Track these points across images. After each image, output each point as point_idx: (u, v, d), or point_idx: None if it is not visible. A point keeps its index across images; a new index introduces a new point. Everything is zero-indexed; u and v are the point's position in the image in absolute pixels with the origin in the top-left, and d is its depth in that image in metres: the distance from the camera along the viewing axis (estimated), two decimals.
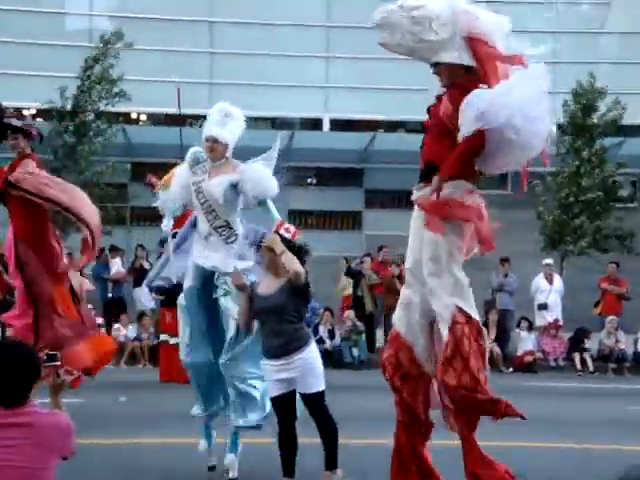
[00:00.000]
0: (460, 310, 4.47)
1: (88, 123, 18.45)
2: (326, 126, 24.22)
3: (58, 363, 3.53)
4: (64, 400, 3.61)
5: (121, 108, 20.27)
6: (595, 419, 8.99)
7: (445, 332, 4.47)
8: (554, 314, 15.74)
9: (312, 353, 5.55)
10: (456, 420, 4.61)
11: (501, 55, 4.49)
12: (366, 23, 19.69)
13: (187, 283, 5.95)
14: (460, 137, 4.41)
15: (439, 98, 4.68)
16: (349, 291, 15.69)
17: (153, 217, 21.18)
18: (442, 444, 4.93)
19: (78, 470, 5.46)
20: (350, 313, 14.90)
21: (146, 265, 14.78)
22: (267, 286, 5.44)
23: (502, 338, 15.26)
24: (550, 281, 15.92)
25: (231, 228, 5.86)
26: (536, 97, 4.35)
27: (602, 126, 18.47)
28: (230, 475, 5.69)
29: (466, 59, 4.44)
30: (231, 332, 5.72)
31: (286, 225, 5.71)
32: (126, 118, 23.32)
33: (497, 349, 14.79)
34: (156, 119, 24.62)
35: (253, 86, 23.40)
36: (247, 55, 23.41)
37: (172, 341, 10.89)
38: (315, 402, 5.43)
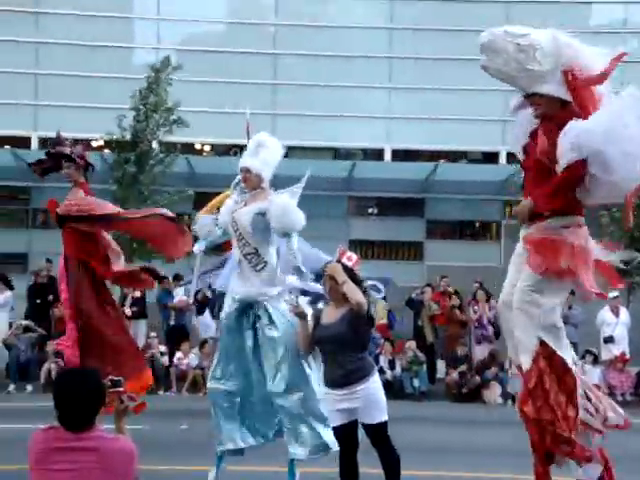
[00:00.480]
0: (544, 344, 4.44)
1: (148, 152, 18.76)
2: (388, 156, 24.25)
3: (122, 389, 3.59)
4: (127, 426, 3.64)
5: (184, 138, 20.64)
6: None
7: (526, 363, 4.45)
8: (621, 347, 15.40)
9: (375, 383, 5.49)
10: (534, 455, 4.53)
11: (594, 77, 4.39)
12: (427, 54, 19.73)
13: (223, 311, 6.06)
14: (558, 169, 4.34)
15: (533, 135, 4.59)
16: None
17: (217, 247, 21.48)
18: None
19: None
20: (411, 344, 14.79)
21: (208, 294, 14.91)
22: (329, 315, 5.44)
23: None
24: (616, 314, 15.60)
25: (259, 255, 5.87)
26: (632, 131, 4.26)
27: None
28: None
29: (564, 93, 4.38)
30: (277, 358, 5.69)
31: (348, 253, 5.72)
32: (190, 148, 23.70)
33: None
34: (220, 149, 24.95)
35: (315, 117, 23.59)
36: (309, 86, 23.62)
37: None
38: (378, 432, 5.38)
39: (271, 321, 5.74)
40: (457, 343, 14.97)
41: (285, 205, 5.96)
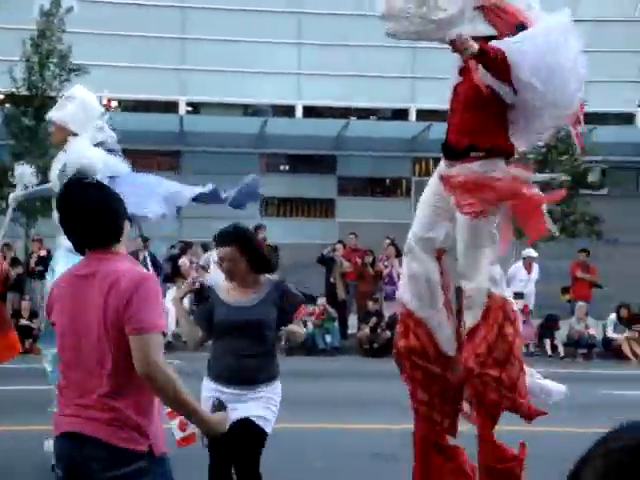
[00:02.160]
0: (491, 294, 4.30)
1: (46, 104, 18.12)
2: (299, 112, 24.19)
3: None
4: None
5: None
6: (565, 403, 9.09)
7: (475, 315, 4.29)
8: (527, 302, 15.89)
9: (279, 389, 4.66)
10: (478, 414, 4.40)
11: (520, 17, 4.19)
12: (337, 10, 19.62)
13: None
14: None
15: (462, 74, 4.37)
16: None
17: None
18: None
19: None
20: (322, 300, 14.94)
21: None
22: (239, 294, 4.56)
23: None
24: (529, 271, 16.03)
25: None
26: (561, 46, 4.11)
27: None
28: None
29: (482, 29, 4.17)
30: None
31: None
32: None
33: None
34: (128, 105, 24.43)
35: (224, 73, 23.32)
36: (218, 41, 23.29)
37: None
38: (256, 443, 4.44)
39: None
40: (369, 299, 15.18)
41: (77, 150, 5.55)
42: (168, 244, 17.04)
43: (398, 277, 15.60)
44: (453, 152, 4.39)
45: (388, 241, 16.13)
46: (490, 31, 4.20)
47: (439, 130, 21.21)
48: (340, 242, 16.53)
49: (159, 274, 15.63)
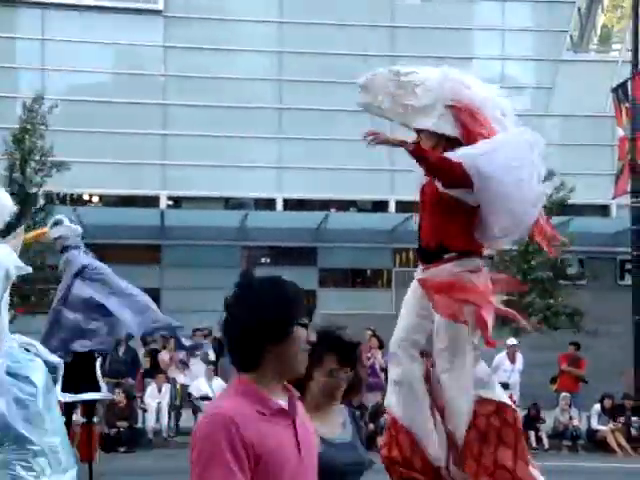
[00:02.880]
0: (483, 400, 4.21)
1: (28, 201, 18.14)
2: (279, 205, 24.41)
3: None
4: None
5: (71, 189, 20.22)
6: None
7: (460, 423, 4.19)
8: (512, 392, 15.77)
9: None
10: None
11: (487, 127, 4.20)
12: (316, 105, 20.04)
13: None
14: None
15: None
16: None
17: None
18: None
19: None
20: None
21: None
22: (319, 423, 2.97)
23: None
24: (513, 360, 15.94)
25: None
26: (521, 156, 4.11)
27: (549, 207, 18.95)
28: None
29: (446, 128, 4.20)
30: None
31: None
32: (78, 200, 23.27)
33: None
34: (108, 200, 24.59)
35: (205, 167, 23.59)
36: (199, 136, 23.63)
37: None
38: None
39: None
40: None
41: None
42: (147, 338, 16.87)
43: (380, 369, 15.51)
44: (427, 255, 4.39)
45: (370, 332, 16.06)
46: (453, 132, 4.23)
47: None
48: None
49: (138, 369, 15.44)
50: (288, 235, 22.82)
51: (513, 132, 4.25)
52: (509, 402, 4.35)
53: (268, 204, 24.63)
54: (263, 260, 24.66)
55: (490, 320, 4.28)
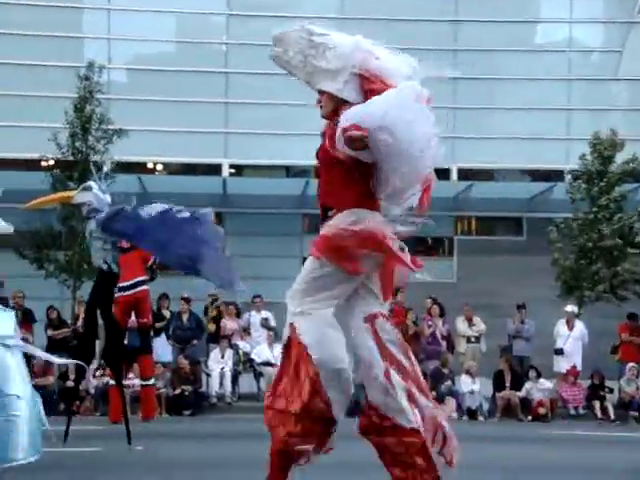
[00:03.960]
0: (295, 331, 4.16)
1: (90, 168, 18.49)
2: None
3: None
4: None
5: (136, 157, 20.52)
6: (618, 468, 8.85)
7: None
8: (572, 361, 15.61)
9: None
10: None
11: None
12: None
13: None
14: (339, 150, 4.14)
15: (323, 135, 4.43)
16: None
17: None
18: None
19: None
20: None
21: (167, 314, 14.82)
22: None
23: (518, 385, 15.14)
24: (570, 327, 15.82)
25: None
26: (409, 103, 4.12)
27: (620, 174, 18.62)
28: None
29: (350, 95, 4.25)
30: None
31: None
32: (143, 168, 23.58)
33: (515, 397, 14.66)
34: (172, 168, 24.86)
35: (267, 135, 23.65)
36: (261, 104, 23.68)
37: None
38: None
39: None
40: None
41: None
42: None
43: (442, 337, 15.50)
44: (324, 215, 4.37)
45: (430, 300, 16.04)
46: (356, 99, 4.26)
47: (481, 189, 21.38)
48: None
49: (201, 335, 15.68)
50: None
51: (400, 86, 4.24)
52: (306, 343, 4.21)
53: None
54: None
55: (393, 245, 4.29)
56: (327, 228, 4.21)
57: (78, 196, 6.18)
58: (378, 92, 4.19)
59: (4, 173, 21.48)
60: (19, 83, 22.53)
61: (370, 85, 4.24)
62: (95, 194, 6.21)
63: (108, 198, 6.32)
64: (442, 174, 24.48)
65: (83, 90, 18.58)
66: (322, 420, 4.17)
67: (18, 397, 5.06)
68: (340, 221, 4.18)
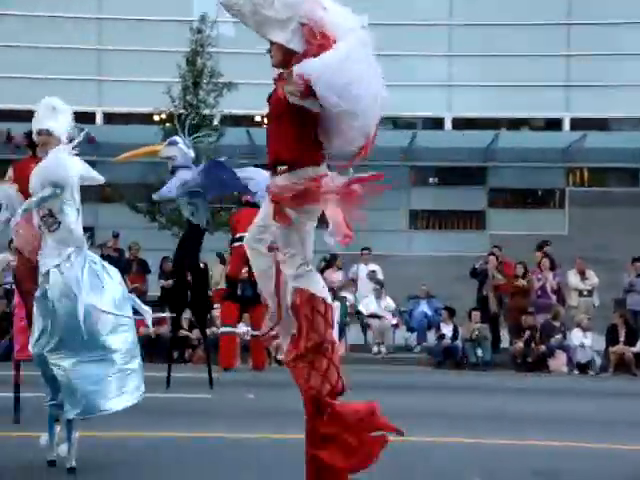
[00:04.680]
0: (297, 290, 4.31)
1: (202, 122, 18.88)
2: (448, 124, 24.02)
3: None
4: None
5: (243, 111, 20.76)
6: None
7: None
8: None
9: None
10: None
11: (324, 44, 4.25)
12: (488, 20, 19.34)
13: None
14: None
15: (275, 83, 4.51)
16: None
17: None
18: None
19: (212, 463, 5.65)
20: (476, 314, 14.73)
21: None
22: None
23: (633, 340, 14.75)
24: None
25: (53, 216, 5.50)
26: (358, 57, 4.17)
27: None
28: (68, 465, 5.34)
29: (298, 45, 4.29)
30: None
31: None
32: (250, 121, 23.82)
33: (629, 352, 14.31)
34: None
35: None
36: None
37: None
38: None
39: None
40: (521, 312, 14.85)
41: (50, 158, 5.57)
42: (318, 257, 17.28)
43: (552, 290, 15.22)
44: (272, 167, 4.43)
45: (540, 254, 15.75)
46: (302, 49, 4.29)
47: (594, 139, 20.66)
48: (492, 254, 16.17)
49: None
50: (457, 155, 22.50)
51: (349, 39, 4.24)
52: (323, 295, 4.32)
53: (437, 123, 24.29)
54: (431, 180, 24.50)
55: (336, 215, 4.25)
56: (275, 188, 4.27)
57: (164, 150, 6.32)
58: (322, 45, 4.20)
59: (118, 127, 22.12)
60: (132, 39, 23.01)
61: (315, 36, 4.25)
62: (180, 149, 6.35)
63: (192, 153, 6.44)
64: (554, 125, 23.85)
65: (195, 43, 18.88)
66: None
67: (118, 350, 5.34)
68: (288, 181, 4.23)
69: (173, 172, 6.36)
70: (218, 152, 18.84)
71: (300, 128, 4.27)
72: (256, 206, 13.67)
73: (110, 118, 23.35)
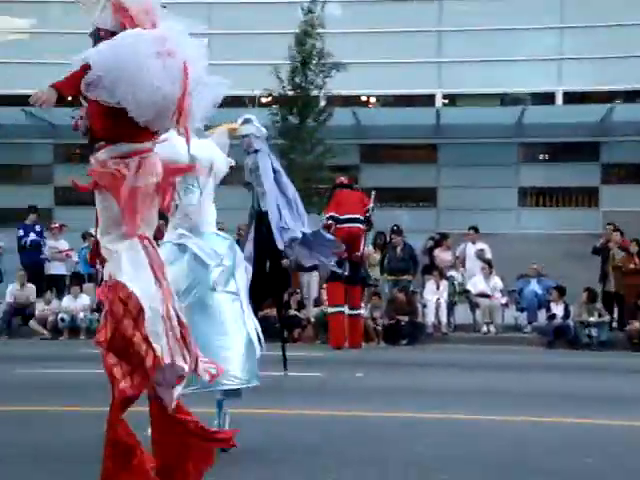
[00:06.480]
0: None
1: (310, 103, 18.98)
2: (559, 99, 23.41)
3: None
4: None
5: (349, 91, 20.76)
6: None
7: None
8: None
9: None
10: None
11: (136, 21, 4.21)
12: None
13: None
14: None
15: None
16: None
17: (389, 198, 21.69)
18: None
19: (323, 439, 5.75)
20: (584, 294, 14.39)
21: None
22: None
23: None
24: None
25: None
26: (139, 52, 4.07)
27: None
28: None
29: (106, 23, 4.30)
30: None
31: None
32: (356, 101, 23.80)
33: None
34: (386, 101, 24.94)
35: (482, 62, 23.07)
36: (475, 31, 23.10)
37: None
38: None
39: None
40: (637, 291, 14.40)
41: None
42: (426, 236, 17.19)
43: None
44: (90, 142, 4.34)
45: None
46: (112, 27, 4.24)
47: None
48: (617, 230, 15.49)
49: (416, 267, 15.79)
50: (568, 130, 21.91)
51: (139, 33, 4.17)
52: (129, 287, 4.05)
53: (547, 98, 23.70)
54: (541, 157, 23.95)
55: (127, 206, 4.09)
56: (96, 163, 4.17)
57: (243, 128, 6.36)
58: (123, 26, 4.20)
59: (226, 111, 22.47)
60: (242, 21, 23.31)
61: (122, 16, 4.24)
62: (257, 127, 6.38)
63: (264, 130, 6.45)
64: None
65: (305, 24, 18.96)
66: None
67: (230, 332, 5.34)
68: (107, 156, 4.14)
69: (248, 153, 6.42)
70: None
71: (105, 105, 4.18)
72: (350, 187, 14.06)
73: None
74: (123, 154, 4.18)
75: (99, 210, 4.23)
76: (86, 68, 4.16)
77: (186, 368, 3.95)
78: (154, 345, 3.90)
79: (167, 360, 3.90)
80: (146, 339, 3.91)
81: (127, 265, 4.10)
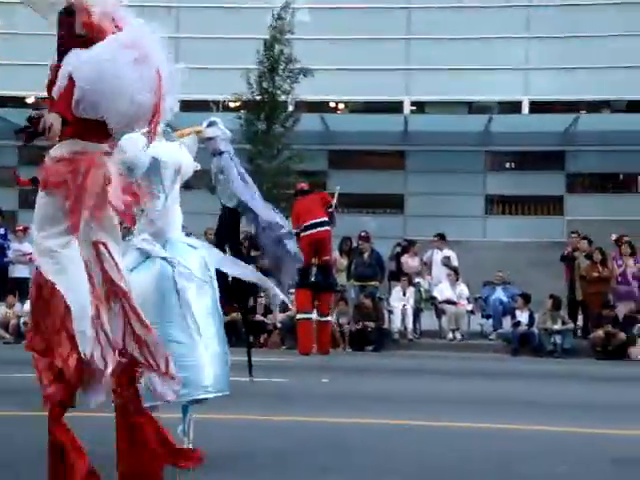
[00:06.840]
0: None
1: (277, 109, 19.00)
2: (525, 109, 23.63)
3: None
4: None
5: (317, 97, 20.76)
6: None
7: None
8: None
9: None
10: None
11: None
12: (565, 1, 18.95)
13: None
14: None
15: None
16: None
17: (357, 204, 21.72)
18: None
19: (289, 445, 5.72)
20: (549, 301, 14.51)
21: None
22: None
23: None
24: None
25: None
26: (114, 55, 4.02)
27: None
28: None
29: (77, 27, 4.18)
30: None
31: None
32: (324, 107, 23.84)
33: None
34: (354, 107, 24.99)
35: (449, 71, 23.23)
36: (443, 40, 23.25)
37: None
38: None
39: None
40: (601, 299, 14.55)
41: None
42: (393, 243, 17.24)
43: (632, 277, 14.86)
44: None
45: (615, 237, 15.39)
46: (79, 30, 4.14)
47: None
48: (585, 238, 15.53)
49: (383, 273, 15.84)
50: (535, 139, 22.13)
51: (114, 42, 4.10)
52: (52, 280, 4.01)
53: (514, 107, 23.92)
54: (507, 165, 24.16)
55: (73, 206, 4.02)
56: (47, 158, 4.09)
57: (208, 130, 6.33)
58: (87, 25, 4.10)
59: (194, 115, 22.39)
60: (210, 25, 23.26)
61: (82, 15, 4.14)
62: (222, 129, 6.36)
63: (229, 133, 6.43)
64: (636, 107, 23.21)
65: (274, 30, 18.97)
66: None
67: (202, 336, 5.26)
68: (57, 152, 4.06)
69: (214, 155, 6.40)
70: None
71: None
72: (311, 192, 13.96)
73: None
74: (76, 152, 4.09)
75: (38, 205, 4.09)
76: (73, 85, 4.05)
77: (109, 370, 3.83)
78: (79, 346, 3.79)
79: (92, 360, 3.80)
80: (71, 338, 3.80)
81: (59, 263, 3.98)
